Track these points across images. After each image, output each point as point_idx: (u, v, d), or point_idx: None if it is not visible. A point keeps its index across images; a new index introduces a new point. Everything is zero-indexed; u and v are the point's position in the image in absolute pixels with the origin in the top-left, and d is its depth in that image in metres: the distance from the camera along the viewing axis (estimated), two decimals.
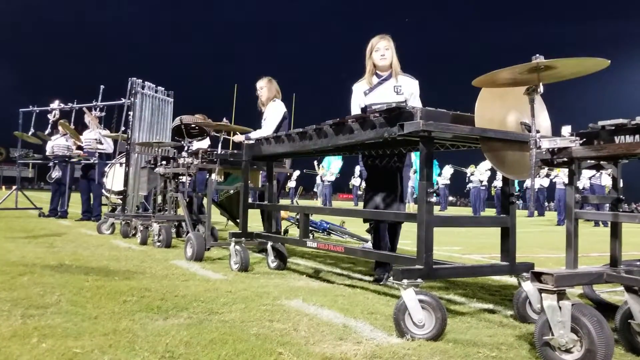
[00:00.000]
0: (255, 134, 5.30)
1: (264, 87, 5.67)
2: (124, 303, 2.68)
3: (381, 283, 3.63)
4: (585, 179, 15.05)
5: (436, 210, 19.95)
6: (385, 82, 3.82)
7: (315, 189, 27.34)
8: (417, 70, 4.06)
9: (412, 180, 10.90)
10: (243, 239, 4.07)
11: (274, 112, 5.58)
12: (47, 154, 9.76)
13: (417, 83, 3.86)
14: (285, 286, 3.41)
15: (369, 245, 5.57)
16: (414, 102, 3.79)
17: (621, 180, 2.32)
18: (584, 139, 2.06)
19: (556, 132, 2.71)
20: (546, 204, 24.70)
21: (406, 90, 3.80)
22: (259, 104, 5.77)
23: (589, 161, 2.25)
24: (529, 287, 2.66)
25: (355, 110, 3.90)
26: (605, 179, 14.22)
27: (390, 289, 3.43)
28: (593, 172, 14.37)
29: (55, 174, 9.33)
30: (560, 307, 1.85)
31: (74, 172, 9.52)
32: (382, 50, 3.79)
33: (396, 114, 2.59)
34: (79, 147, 9.40)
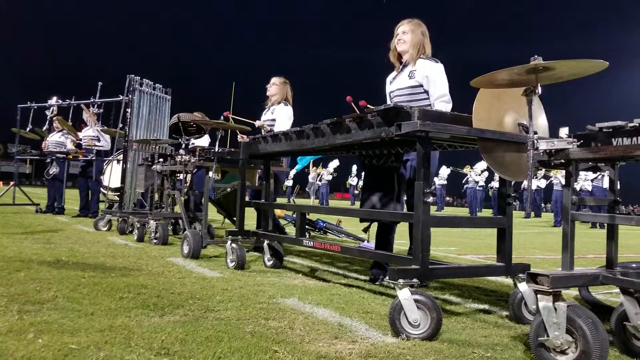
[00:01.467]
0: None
1: (277, 84, 5.59)
2: (120, 300, 2.68)
3: (377, 283, 3.63)
4: (588, 181, 15.07)
5: (433, 210, 19.89)
6: (405, 68, 3.72)
7: (308, 189, 27.20)
8: None
9: None
10: (239, 237, 4.07)
11: (285, 115, 5.48)
12: (43, 150, 9.73)
13: (438, 66, 3.60)
14: (281, 284, 3.41)
15: (365, 244, 5.57)
16: (432, 86, 3.58)
17: (618, 183, 2.33)
18: (581, 141, 2.07)
19: (554, 133, 2.71)
20: (543, 205, 24.74)
21: (419, 74, 3.61)
22: (268, 100, 5.68)
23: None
24: (524, 288, 2.66)
25: (388, 99, 3.85)
26: (607, 182, 14.22)
27: (386, 288, 3.44)
28: (595, 174, 14.41)
29: (53, 170, 9.32)
30: (555, 309, 1.85)
31: (69, 168, 9.51)
32: (400, 34, 3.69)
33: (393, 113, 2.60)
34: (78, 145, 9.38)
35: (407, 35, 3.67)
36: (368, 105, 3.01)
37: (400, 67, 3.76)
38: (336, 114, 3.06)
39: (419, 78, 3.61)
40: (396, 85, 3.75)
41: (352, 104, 3.71)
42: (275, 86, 5.60)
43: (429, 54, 3.70)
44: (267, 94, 5.66)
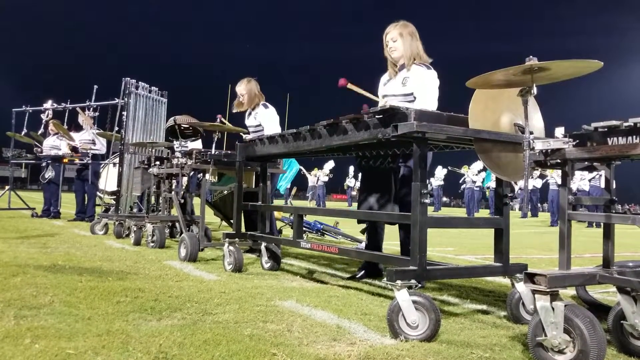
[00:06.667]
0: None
1: (245, 93, 5.50)
2: (117, 304, 2.67)
3: (356, 278, 3.81)
4: (585, 180, 15.09)
5: (430, 211, 19.96)
6: (399, 73, 3.69)
7: (307, 193, 27.17)
8: None
9: None
10: (237, 239, 4.06)
11: (269, 118, 5.45)
12: (38, 154, 9.68)
13: (430, 73, 3.57)
14: (279, 287, 3.40)
15: (363, 245, 5.57)
16: (423, 93, 3.54)
17: (614, 182, 2.33)
18: (577, 141, 2.07)
19: (550, 133, 2.72)
20: (539, 204, 24.79)
21: (412, 82, 3.58)
22: (234, 104, 5.61)
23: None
24: (522, 288, 2.67)
25: (381, 101, 3.84)
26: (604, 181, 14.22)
27: (384, 289, 3.44)
28: (593, 174, 14.44)
29: (49, 174, 9.27)
30: (553, 308, 1.86)
31: (64, 172, 9.47)
32: (390, 42, 3.67)
33: (390, 114, 2.60)
34: (74, 149, 9.33)
35: (396, 42, 3.65)
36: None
37: (397, 69, 3.73)
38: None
39: (412, 86, 3.60)
40: (389, 90, 3.75)
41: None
42: (244, 96, 5.50)
43: (422, 55, 3.67)
44: (245, 105, 5.57)
